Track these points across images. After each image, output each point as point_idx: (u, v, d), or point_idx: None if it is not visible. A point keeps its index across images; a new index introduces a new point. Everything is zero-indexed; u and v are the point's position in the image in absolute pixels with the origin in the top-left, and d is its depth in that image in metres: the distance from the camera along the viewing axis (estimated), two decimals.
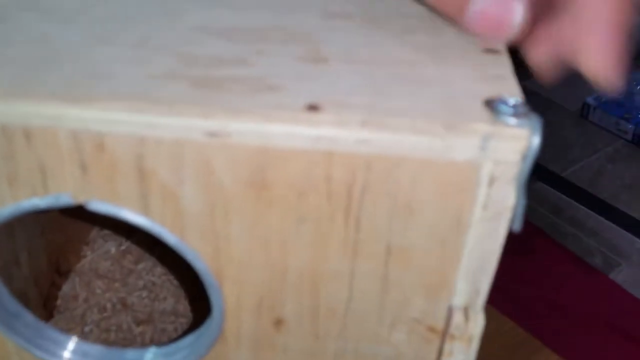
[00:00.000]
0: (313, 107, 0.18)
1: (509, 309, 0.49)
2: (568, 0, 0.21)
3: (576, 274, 0.84)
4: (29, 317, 0.25)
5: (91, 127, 0.18)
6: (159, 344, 0.31)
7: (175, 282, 0.36)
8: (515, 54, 0.22)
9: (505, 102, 0.18)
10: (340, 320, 0.22)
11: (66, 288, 0.35)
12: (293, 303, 0.22)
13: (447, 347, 0.22)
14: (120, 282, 0.36)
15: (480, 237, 0.20)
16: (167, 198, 0.19)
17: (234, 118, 0.18)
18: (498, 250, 0.20)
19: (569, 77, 0.23)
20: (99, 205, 0.20)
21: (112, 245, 0.38)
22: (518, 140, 0.18)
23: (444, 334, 0.22)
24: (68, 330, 0.33)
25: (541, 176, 1.15)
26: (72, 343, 0.26)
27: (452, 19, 0.21)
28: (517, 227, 0.19)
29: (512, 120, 0.18)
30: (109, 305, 0.35)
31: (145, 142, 0.18)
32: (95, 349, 0.26)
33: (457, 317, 0.21)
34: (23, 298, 0.30)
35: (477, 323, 0.21)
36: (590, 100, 1.31)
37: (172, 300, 0.35)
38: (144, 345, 0.33)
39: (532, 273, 0.82)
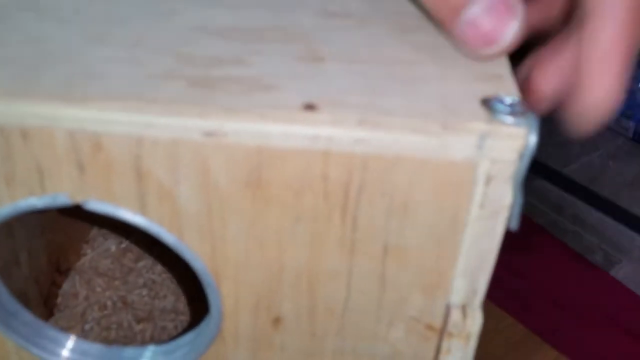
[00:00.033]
0: (310, 107, 0.18)
1: (509, 306, 0.49)
2: (576, 26, 0.20)
3: (577, 270, 0.84)
4: (27, 316, 0.25)
5: (88, 127, 0.18)
6: (160, 341, 0.31)
7: (175, 279, 0.36)
8: (514, 52, 0.22)
9: (502, 101, 0.18)
10: (338, 319, 0.22)
11: (66, 286, 0.35)
12: (291, 302, 0.22)
13: (445, 344, 0.22)
14: (120, 280, 0.36)
15: (478, 236, 0.20)
16: (164, 198, 0.19)
17: (230, 118, 0.18)
18: (495, 248, 0.20)
19: None
20: (97, 205, 0.20)
21: (112, 243, 0.38)
22: (515, 139, 0.18)
23: (442, 331, 0.22)
24: (68, 329, 0.33)
25: (542, 173, 1.15)
26: (70, 342, 0.26)
27: (443, 26, 0.21)
28: (514, 225, 0.19)
29: (509, 119, 0.18)
30: (109, 303, 0.35)
31: (142, 142, 0.18)
32: (94, 347, 0.26)
33: (455, 315, 0.22)
34: (23, 297, 0.30)
35: (475, 321, 0.22)
36: None
37: (172, 298, 0.35)
38: (144, 343, 0.33)
39: (533, 270, 0.82)
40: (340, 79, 0.19)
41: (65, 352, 0.25)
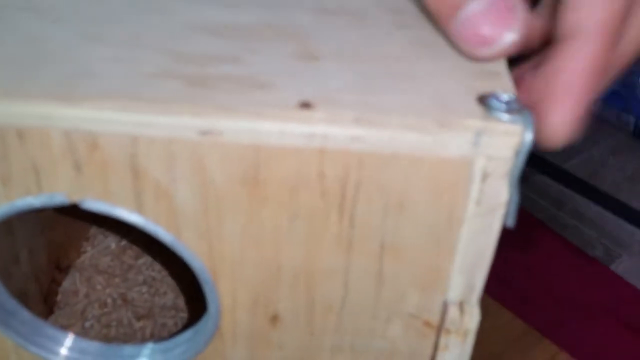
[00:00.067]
0: (305, 105, 0.18)
1: (509, 301, 0.49)
2: (552, 48, 0.20)
3: (577, 265, 0.84)
4: (26, 314, 0.25)
5: (84, 127, 0.18)
6: (160, 338, 0.31)
7: (174, 277, 0.36)
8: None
9: (497, 98, 0.18)
10: (336, 316, 0.22)
11: (66, 284, 0.35)
12: (288, 300, 0.22)
13: (442, 341, 0.22)
14: (120, 277, 0.36)
15: (474, 233, 0.20)
16: (161, 196, 0.19)
17: (226, 116, 0.18)
18: (492, 245, 0.20)
19: None
20: (94, 204, 0.20)
21: (112, 241, 0.38)
22: (511, 136, 0.18)
23: (440, 328, 0.22)
24: (68, 326, 0.33)
25: (542, 168, 1.14)
26: (69, 340, 0.26)
27: (439, 23, 0.20)
28: (511, 222, 0.19)
29: (505, 116, 0.18)
30: (109, 301, 0.35)
31: (138, 141, 0.18)
32: (93, 345, 0.26)
33: (453, 312, 0.22)
34: (23, 295, 0.30)
35: (473, 317, 0.22)
36: None
37: (172, 295, 0.35)
38: (144, 340, 0.33)
39: (533, 265, 0.82)
40: (336, 76, 0.19)
41: (63, 351, 0.25)
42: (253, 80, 0.19)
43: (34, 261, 0.31)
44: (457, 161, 0.18)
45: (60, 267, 0.35)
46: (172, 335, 0.27)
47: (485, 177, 0.18)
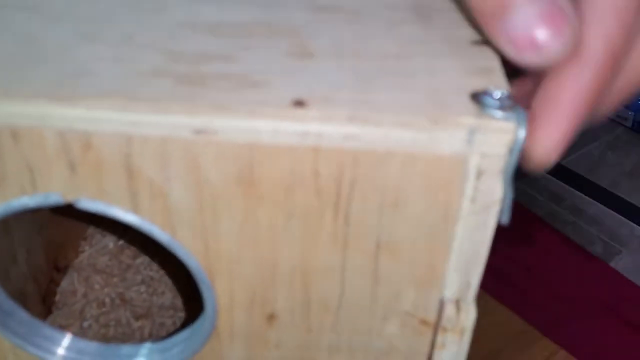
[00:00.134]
0: (299, 103, 0.18)
1: (507, 298, 0.49)
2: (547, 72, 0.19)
3: (576, 262, 0.84)
4: (23, 314, 0.25)
5: (78, 126, 0.18)
6: (158, 338, 0.31)
7: (171, 277, 0.36)
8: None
9: (491, 95, 0.18)
10: (333, 315, 0.22)
11: (64, 284, 0.35)
12: (285, 298, 0.22)
13: (439, 339, 0.22)
14: (118, 277, 0.36)
15: (469, 230, 0.20)
16: (156, 196, 0.19)
17: (220, 115, 0.18)
18: (487, 242, 0.20)
19: None
20: (89, 204, 0.20)
21: (110, 240, 0.38)
22: (504, 133, 0.18)
23: (436, 326, 0.22)
24: (67, 326, 0.33)
25: None
26: (66, 340, 0.26)
27: (482, 21, 0.19)
28: (505, 220, 0.19)
29: (498, 114, 0.18)
30: (107, 300, 0.35)
31: (132, 140, 0.18)
32: (91, 345, 0.26)
33: (449, 310, 0.22)
34: (21, 295, 0.30)
35: (469, 315, 0.22)
36: None
37: (171, 294, 0.35)
38: (142, 339, 0.33)
39: (532, 262, 0.82)
40: (329, 74, 0.19)
41: (61, 351, 0.25)
42: (247, 79, 0.19)
43: (32, 261, 0.31)
44: (451, 159, 0.18)
45: (58, 267, 0.35)
46: (171, 334, 0.27)
47: (479, 174, 0.18)
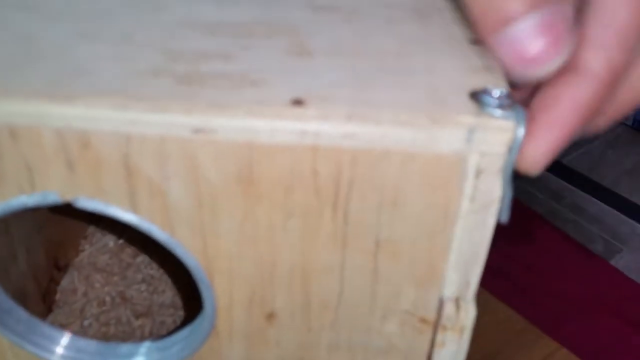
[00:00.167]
0: (298, 102, 0.18)
1: (507, 297, 0.49)
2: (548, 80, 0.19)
3: (577, 260, 0.84)
4: (22, 313, 0.25)
5: (76, 125, 0.18)
6: (158, 336, 0.31)
7: (171, 276, 0.36)
8: None
9: (490, 94, 0.18)
10: (332, 314, 0.22)
11: (65, 282, 0.35)
12: (284, 297, 0.22)
13: (439, 337, 0.22)
14: (119, 275, 0.36)
15: (469, 229, 0.20)
16: (155, 195, 0.19)
17: (218, 114, 0.18)
18: (487, 241, 0.20)
19: None
20: (87, 203, 0.20)
21: (110, 239, 0.38)
22: (504, 132, 0.18)
23: (436, 325, 0.22)
24: (67, 325, 0.33)
25: None
26: (66, 338, 0.26)
27: (482, 33, 0.19)
28: (505, 218, 0.19)
29: (498, 112, 0.18)
30: (108, 299, 0.35)
31: (131, 139, 0.18)
32: (90, 344, 0.26)
33: (449, 308, 0.22)
34: (22, 294, 0.30)
35: (469, 313, 0.22)
36: None
37: (171, 293, 0.35)
38: (143, 338, 0.33)
39: (533, 260, 0.82)
40: (328, 73, 0.19)
41: (60, 350, 0.25)
42: (245, 78, 0.19)
43: (32, 260, 0.31)
44: (450, 157, 0.18)
45: (58, 266, 0.35)
46: (171, 333, 0.27)
47: (478, 173, 0.18)
